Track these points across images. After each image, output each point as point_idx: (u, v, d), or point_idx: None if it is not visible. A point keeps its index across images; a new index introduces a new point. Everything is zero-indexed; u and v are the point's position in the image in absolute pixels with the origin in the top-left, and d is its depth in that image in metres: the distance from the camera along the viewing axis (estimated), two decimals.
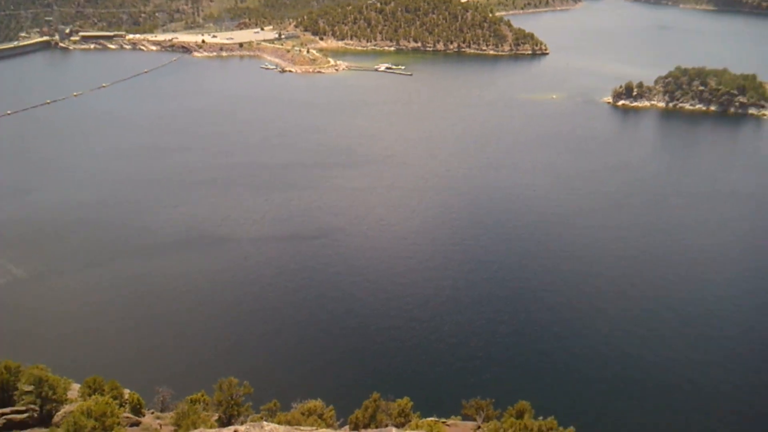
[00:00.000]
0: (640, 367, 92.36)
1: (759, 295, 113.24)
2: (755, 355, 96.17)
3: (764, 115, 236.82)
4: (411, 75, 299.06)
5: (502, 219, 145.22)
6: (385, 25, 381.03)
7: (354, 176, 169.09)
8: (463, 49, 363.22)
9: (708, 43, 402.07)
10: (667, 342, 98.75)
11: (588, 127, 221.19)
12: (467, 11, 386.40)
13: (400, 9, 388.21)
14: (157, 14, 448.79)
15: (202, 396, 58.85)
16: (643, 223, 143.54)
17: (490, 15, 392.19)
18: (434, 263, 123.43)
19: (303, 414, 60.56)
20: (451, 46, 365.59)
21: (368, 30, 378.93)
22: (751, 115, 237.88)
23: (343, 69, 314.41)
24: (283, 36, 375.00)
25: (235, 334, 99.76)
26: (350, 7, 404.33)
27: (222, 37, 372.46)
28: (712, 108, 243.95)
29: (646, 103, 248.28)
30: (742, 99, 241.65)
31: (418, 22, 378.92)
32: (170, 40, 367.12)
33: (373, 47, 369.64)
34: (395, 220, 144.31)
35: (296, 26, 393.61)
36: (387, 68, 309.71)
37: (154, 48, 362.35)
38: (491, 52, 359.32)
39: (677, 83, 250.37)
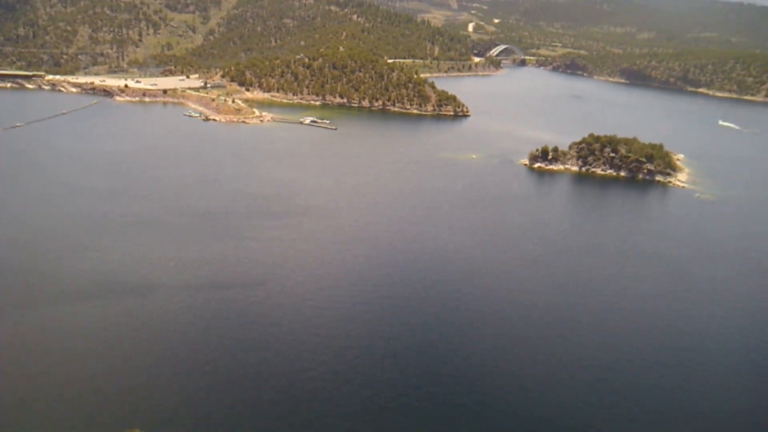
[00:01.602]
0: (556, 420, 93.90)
1: (666, 346, 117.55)
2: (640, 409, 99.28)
3: (670, 182, 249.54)
4: (336, 129, 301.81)
5: (421, 272, 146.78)
6: (312, 80, 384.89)
7: (274, 226, 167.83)
8: (387, 107, 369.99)
9: (619, 113, 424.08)
10: (576, 389, 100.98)
11: (505, 187, 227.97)
12: (393, 71, 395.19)
13: (327, 65, 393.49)
14: (79, 56, 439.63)
15: None
16: (555, 279, 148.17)
17: (415, 76, 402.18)
18: (352, 315, 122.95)
19: None
20: (377, 104, 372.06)
21: (295, 84, 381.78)
22: (658, 181, 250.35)
23: (268, 120, 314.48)
24: (208, 85, 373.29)
25: (142, 385, 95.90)
26: (278, 61, 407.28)
27: (146, 83, 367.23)
28: (622, 173, 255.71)
29: (561, 167, 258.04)
30: (649, 166, 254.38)
31: (344, 79, 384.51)
32: (92, 83, 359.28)
33: (299, 101, 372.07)
34: (314, 271, 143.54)
35: (222, 76, 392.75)
36: (312, 121, 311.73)
37: (74, 90, 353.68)
38: (415, 111, 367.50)
39: (590, 149, 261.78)
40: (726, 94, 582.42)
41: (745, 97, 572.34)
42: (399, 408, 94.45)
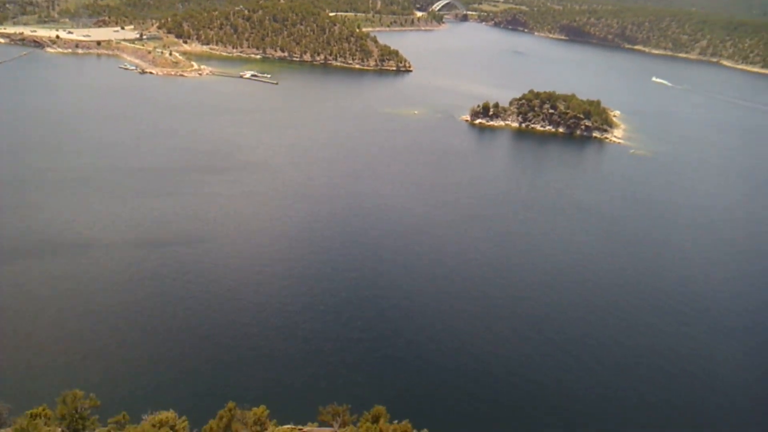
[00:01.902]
0: (495, 370, 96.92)
1: (599, 298, 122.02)
2: (567, 354, 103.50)
3: (607, 138, 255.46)
4: (277, 84, 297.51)
5: (362, 227, 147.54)
6: (252, 33, 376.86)
7: (213, 182, 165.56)
8: (329, 62, 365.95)
9: (559, 69, 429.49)
10: (515, 342, 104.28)
11: (447, 142, 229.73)
12: (335, 25, 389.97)
13: (267, 18, 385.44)
14: (7, 5, 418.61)
15: (44, 410, 55.79)
16: (493, 234, 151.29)
17: (357, 30, 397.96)
18: (292, 271, 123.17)
19: (154, 426, 58.86)
20: (318, 58, 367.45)
21: (234, 36, 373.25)
22: (595, 137, 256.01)
23: (207, 74, 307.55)
24: (144, 37, 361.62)
25: (80, 344, 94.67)
26: (216, 12, 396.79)
27: (79, 34, 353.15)
28: (561, 130, 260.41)
29: (501, 123, 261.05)
30: (587, 123, 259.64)
31: (285, 32, 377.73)
32: (21, 34, 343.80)
33: (239, 54, 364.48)
34: (254, 227, 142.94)
35: (159, 28, 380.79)
36: (252, 75, 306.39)
37: (2, 41, 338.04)
38: (357, 66, 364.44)
39: (530, 105, 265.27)
40: (662, 52, 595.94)
41: (680, 55, 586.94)
42: (341, 363, 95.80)
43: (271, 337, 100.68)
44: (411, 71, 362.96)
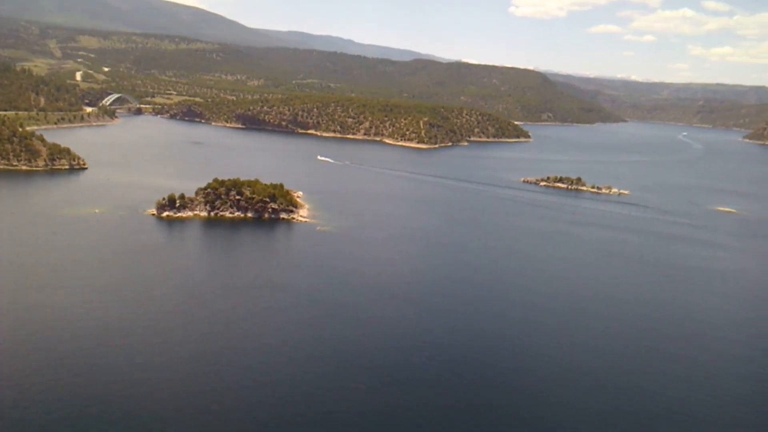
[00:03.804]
0: None
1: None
2: None
3: (294, 218, 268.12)
4: None
5: (47, 341, 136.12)
6: None
7: None
8: None
9: (240, 156, 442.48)
10: None
11: (134, 239, 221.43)
12: None
13: None
14: None
15: None
16: (195, 322, 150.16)
17: (20, 129, 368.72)
18: None
19: None
20: None
21: None
22: (284, 219, 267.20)
23: None
24: None
25: None
26: None
27: None
28: (250, 215, 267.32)
29: (190, 213, 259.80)
30: (274, 205, 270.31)
31: None
32: None
33: None
34: None
35: None
36: None
37: None
38: (24, 167, 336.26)
39: (216, 193, 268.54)
40: (332, 134, 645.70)
41: (348, 136, 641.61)
42: None
43: None
44: (86, 168, 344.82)
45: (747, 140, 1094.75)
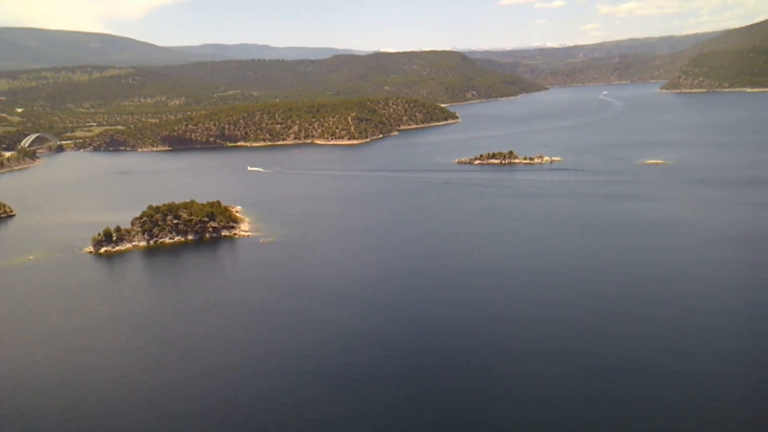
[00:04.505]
0: None
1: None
2: None
3: (236, 234, 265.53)
4: None
5: None
6: None
7: None
8: None
9: (170, 179, 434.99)
10: None
11: (73, 280, 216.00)
12: None
13: None
14: None
15: None
16: (149, 352, 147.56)
17: None
18: None
19: None
20: None
21: None
22: (226, 236, 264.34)
23: None
24: None
25: None
26: None
27: None
28: (190, 237, 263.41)
29: (128, 245, 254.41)
30: (213, 224, 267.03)
31: None
32: None
33: None
34: None
35: None
36: None
37: None
38: None
39: (153, 221, 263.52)
40: (262, 143, 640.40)
41: (279, 143, 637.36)
42: None
43: None
44: (14, 215, 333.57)
45: (664, 90, 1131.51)
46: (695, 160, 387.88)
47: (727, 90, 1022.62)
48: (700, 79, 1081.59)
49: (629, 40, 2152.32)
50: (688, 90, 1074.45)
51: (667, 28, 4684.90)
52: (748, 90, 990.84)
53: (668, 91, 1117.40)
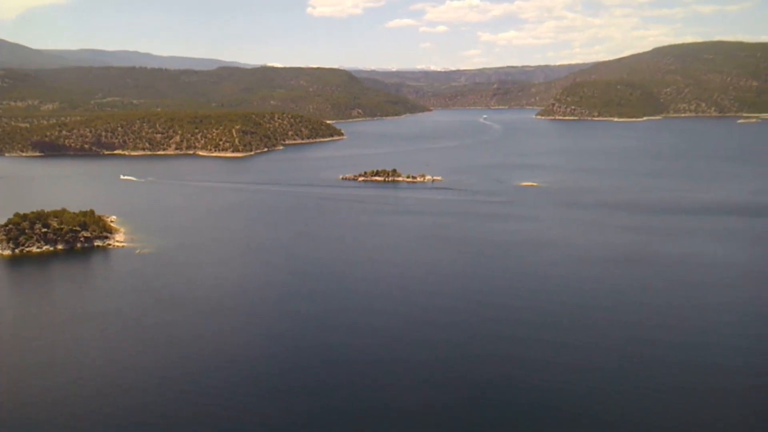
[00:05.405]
0: None
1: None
2: None
3: (110, 244, 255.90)
4: None
5: None
6: None
7: None
8: None
9: (41, 186, 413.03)
10: None
11: None
12: None
13: None
14: None
15: None
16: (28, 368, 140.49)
17: None
18: None
19: None
20: None
21: None
22: (98, 246, 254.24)
23: None
24: None
25: None
26: None
27: None
28: (60, 246, 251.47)
29: None
30: (86, 233, 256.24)
31: None
32: None
33: None
34: None
35: None
36: None
37: None
38: None
39: (19, 229, 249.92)
40: (141, 152, 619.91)
41: (159, 153, 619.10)
42: None
43: None
44: None
45: (539, 117, 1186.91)
46: (567, 183, 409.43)
47: (596, 118, 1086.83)
48: (572, 107, 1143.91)
49: (508, 67, 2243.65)
50: (561, 117, 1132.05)
51: (542, 57, 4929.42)
52: (615, 119, 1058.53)
53: (543, 117, 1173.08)
